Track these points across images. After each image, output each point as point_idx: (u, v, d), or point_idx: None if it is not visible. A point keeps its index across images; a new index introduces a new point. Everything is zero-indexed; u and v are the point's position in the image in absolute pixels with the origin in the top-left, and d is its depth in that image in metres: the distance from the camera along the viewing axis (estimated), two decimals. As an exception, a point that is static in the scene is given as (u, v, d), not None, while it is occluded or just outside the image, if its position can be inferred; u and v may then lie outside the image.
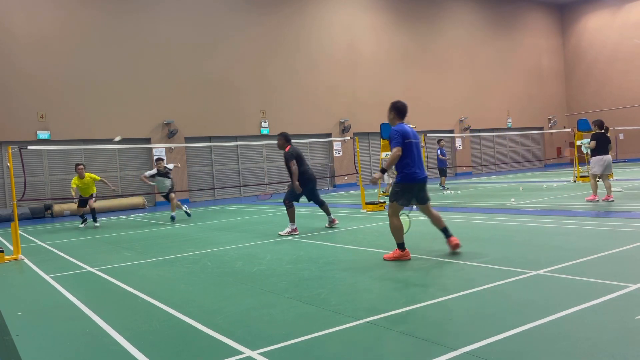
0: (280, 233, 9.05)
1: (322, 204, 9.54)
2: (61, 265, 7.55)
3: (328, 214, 9.62)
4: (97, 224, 13.16)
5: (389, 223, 6.19)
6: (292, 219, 9.08)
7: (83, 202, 13.23)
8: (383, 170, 6.12)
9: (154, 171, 13.45)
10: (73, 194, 13.05)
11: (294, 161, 9.06)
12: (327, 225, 9.66)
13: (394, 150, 5.94)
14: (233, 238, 9.14)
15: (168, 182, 13.49)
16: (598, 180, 11.14)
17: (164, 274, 6.36)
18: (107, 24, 19.69)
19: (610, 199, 10.78)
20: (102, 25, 19.59)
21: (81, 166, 13.04)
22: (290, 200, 9.18)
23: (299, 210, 13.80)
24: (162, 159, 13.64)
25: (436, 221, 6.40)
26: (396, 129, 6.07)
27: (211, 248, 8.12)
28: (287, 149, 9.23)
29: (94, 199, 13.17)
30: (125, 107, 19.85)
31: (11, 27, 18.03)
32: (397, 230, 6.07)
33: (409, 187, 6.10)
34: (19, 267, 7.57)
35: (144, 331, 4.06)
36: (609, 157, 10.86)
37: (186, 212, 13.64)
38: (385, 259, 6.15)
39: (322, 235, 8.67)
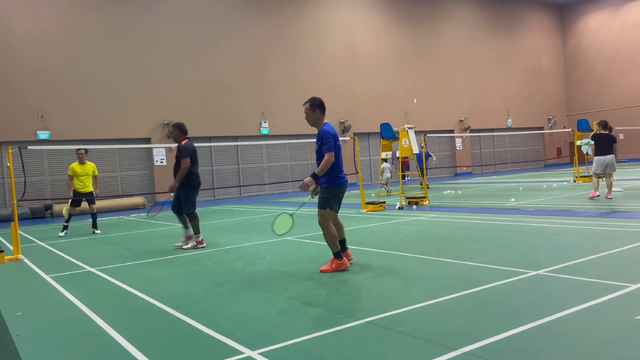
0: (184, 247, 8.14)
1: (181, 214, 8.36)
2: (61, 265, 7.54)
3: (186, 227, 8.36)
4: (98, 231, 11.43)
5: (323, 233, 5.77)
6: (197, 230, 8.12)
7: (77, 201, 11.30)
8: (315, 176, 5.65)
9: None
10: (70, 188, 11.17)
11: (189, 158, 8.01)
12: (178, 244, 8.41)
13: (328, 155, 5.57)
14: (233, 238, 9.14)
15: None
16: (601, 179, 11.34)
17: (164, 274, 6.36)
18: (108, 25, 19.69)
19: (609, 197, 11.07)
20: (103, 25, 19.60)
21: (82, 150, 11.32)
22: (193, 210, 8.09)
23: (300, 210, 13.78)
24: None
25: (340, 229, 6.00)
26: (328, 130, 5.70)
27: (211, 248, 8.11)
28: (183, 143, 8.22)
29: (94, 202, 11.47)
30: (125, 107, 19.85)
31: (12, 28, 18.03)
32: (333, 239, 5.70)
33: (337, 192, 5.76)
34: (19, 267, 7.56)
35: (144, 331, 4.06)
36: (609, 157, 11.04)
37: None
38: (322, 271, 5.72)
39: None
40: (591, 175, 17.19)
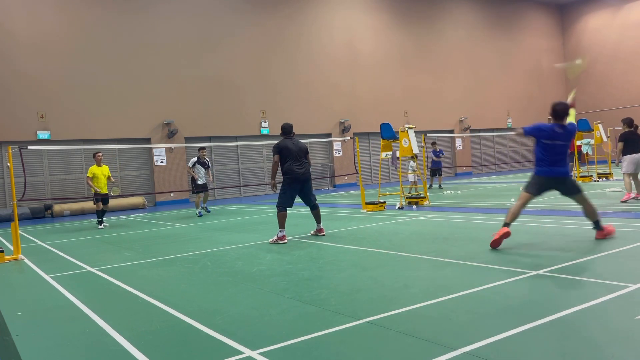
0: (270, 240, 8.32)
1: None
2: (61, 265, 7.55)
3: (317, 222, 8.79)
4: (106, 224, 12.82)
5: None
6: (280, 225, 8.25)
7: (99, 199, 12.57)
8: None
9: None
10: (92, 188, 12.40)
11: (277, 155, 8.59)
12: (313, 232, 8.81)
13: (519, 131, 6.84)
14: (233, 238, 9.14)
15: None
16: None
17: (164, 274, 6.36)
18: (108, 24, 19.69)
19: None
20: (103, 25, 19.59)
21: (100, 154, 12.61)
22: (279, 204, 8.39)
23: (294, 210, 13.77)
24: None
25: (589, 213, 6.62)
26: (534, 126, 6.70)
27: (211, 248, 8.12)
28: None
29: (108, 203, 12.81)
30: (125, 107, 19.85)
31: (11, 28, 18.02)
32: (511, 213, 6.52)
33: (538, 180, 6.61)
34: (19, 267, 7.57)
35: (144, 331, 4.06)
36: (638, 155, 10.74)
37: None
38: (493, 240, 6.40)
39: (321, 236, 8.67)
40: (591, 176, 17.24)
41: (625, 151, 10.90)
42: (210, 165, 14.42)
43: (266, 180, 23.28)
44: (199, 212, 13.98)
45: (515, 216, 6.55)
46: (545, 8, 34.82)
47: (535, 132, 6.60)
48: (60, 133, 18.59)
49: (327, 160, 25.46)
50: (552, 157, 6.51)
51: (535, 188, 6.68)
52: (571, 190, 6.64)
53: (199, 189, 14.04)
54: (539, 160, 6.62)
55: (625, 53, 32.43)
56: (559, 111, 6.48)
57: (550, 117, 6.67)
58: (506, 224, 6.47)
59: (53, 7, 18.77)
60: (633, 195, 10.85)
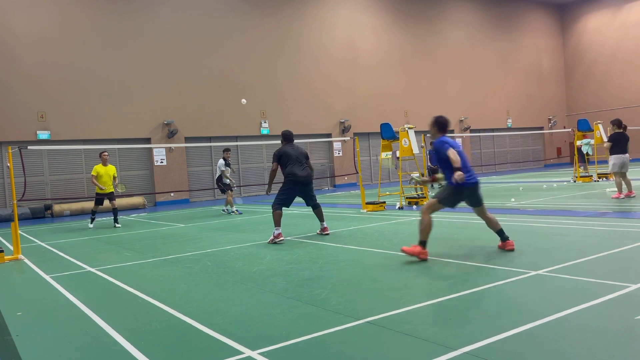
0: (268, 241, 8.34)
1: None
2: (61, 265, 7.55)
3: (320, 220, 8.90)
4: (118, 225, 12.68)
5: (420, 218, 6.08)
6: (275, 223, 8.35)
7: (100, 200, 12.65)
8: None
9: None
10: (98, 185, 12.30)
11: (276, 163, 8.72)
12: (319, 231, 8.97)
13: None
14: (233, 238, 9.14)
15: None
16: (610, 179, 11.34)
17: (164, 274, 6.36)
18: (108, 24, 19.70)
19: (632, 195, 11.04)
20: (103, 25, 19.60)
21: (106, 153, 12.60)
22: (275, 204, 8.68)
23: (294, 210, 13.79)
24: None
25: (491, 224, 6.33)
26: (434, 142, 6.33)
27: (211, 248, 8.12)
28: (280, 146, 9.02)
29: (115, 199, 12.76)
30: (125, 107, 19.86)
31: (12, 27, 18.03)
32: (424, 227, 6.01)
33: (454, 190, 6.03)
34: (19, 267, 7.57)
35: (144, 331, 4.06)
36: (625, 155, 11.09)
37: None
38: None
39: (322, 236, 8.67)
40: (591, 176, 17.28)
41: (612, 151, 11.24)
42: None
43: (266, 180, 23.30)
44: (235, 210, 14.09)
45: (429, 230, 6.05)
46: (545, 8, 34.82)
47: (446, 146, 6.09)
48: (60, 133, 18.60)
49: (327, 160, 25.46)
50: (465, 165, 6.06)
51: (452, 200, 6.16)
52: (478, 201, 6.24)
53: (227, 187, 14.22)
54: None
55: (625, 53, 32.44)
56: (443, 123, 6.47)
57: (435, 133, 6.44)
58: (422, 242, 6.01)
59: (53, 7, 18.77)
60: (623, 195, 11.16)
